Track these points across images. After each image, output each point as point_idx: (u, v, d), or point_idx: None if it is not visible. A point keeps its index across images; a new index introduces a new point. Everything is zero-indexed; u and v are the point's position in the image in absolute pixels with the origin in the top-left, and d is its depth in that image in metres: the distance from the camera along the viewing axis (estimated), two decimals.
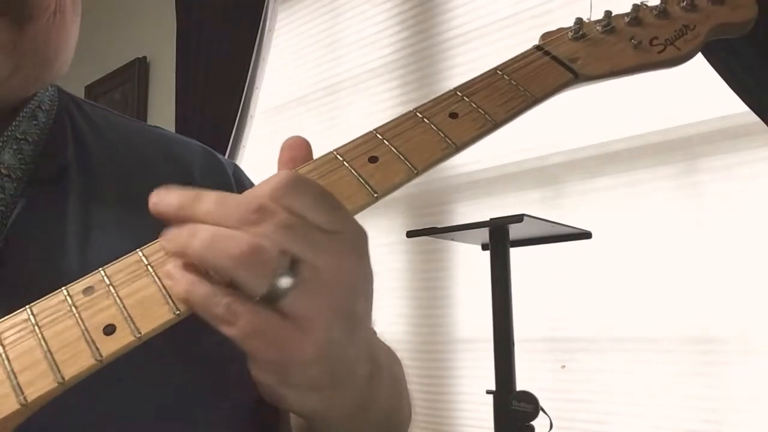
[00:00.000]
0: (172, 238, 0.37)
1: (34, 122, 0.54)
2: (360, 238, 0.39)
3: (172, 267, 0.37)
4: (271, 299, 0.36)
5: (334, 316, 0.37)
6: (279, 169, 0.42)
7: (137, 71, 2.88)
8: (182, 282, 0.36)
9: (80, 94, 3.02)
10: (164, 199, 0.38)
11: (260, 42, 2.34)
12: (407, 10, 2.06)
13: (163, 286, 0.37)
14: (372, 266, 0.40)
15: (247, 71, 2.33)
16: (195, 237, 0.36)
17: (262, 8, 2.31)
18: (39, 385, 0.34)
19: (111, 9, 3.08)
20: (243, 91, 2.33)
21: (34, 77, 0.52)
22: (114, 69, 2.98)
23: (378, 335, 0.63)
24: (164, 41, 2.68)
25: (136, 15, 2.97)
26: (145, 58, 2.89)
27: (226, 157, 2.34)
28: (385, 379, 0.47)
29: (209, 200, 0.37)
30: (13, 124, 0.52)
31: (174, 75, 2.57)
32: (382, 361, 0.47)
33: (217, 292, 0.36)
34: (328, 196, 0.38)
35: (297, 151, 0.42)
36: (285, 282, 0.36)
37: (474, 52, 1.83)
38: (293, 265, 0.36)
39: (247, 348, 0.37)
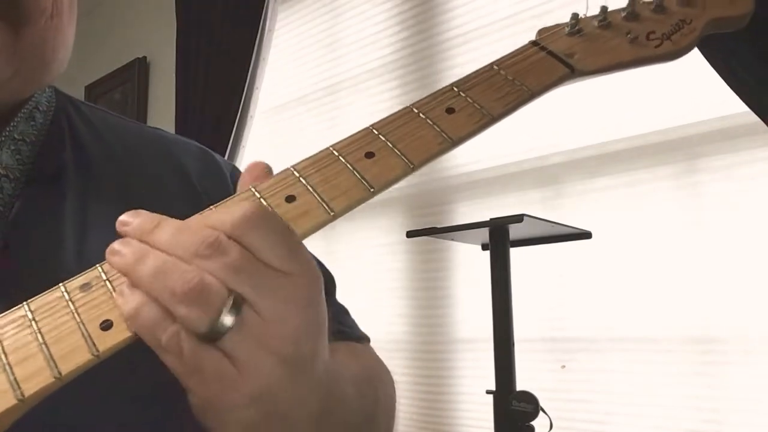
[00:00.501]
0: (120, 253, 0.37)
1: (32, 123, 0.54)
2: (313, 282, 0.38)
3: (125, 284, 0.36)
4: (212, 338, 0.35)
5: (275, 360, 0.36)
6: (240, 189, 0.41)
7: (137, 71, 2.88)
8: (131, 302, 0.36)
9: (80, 94, 3.03)
10: (129, 221, 0.38)
11: (260, 42, 2.34)
12: (407, 10, 2.06)
13: None
14: (324, 310, 0.39)
15: (247, 71, 2.33)
16: (142, 262, 0.36)
17: (262, 8, 2.31)
18: (36, 380, 0.35)
19: (111, 9, 3.08)
20: (243, 91, 2.33)
21: (33, 79, 0.52)
22: (114, 69, 2.98)
23: (369, 345, 0.62)
24: (164, 41, 2.68)
25: (136, 15, 2.97)
26: (145, 58, 2.89)
27: (226, 157, 2.35)
28: (345, 413, 0.46)
29: (168, 229, 0.37)
30: (11, 124, 0.52)
31: (174, 75, 2.57)
32: (345, 393, 0.45)
33: (164, 320, 0.35)
34: (288, 234, 0.37)
35: (257, 174, 0.42)
36: (227, 321, 0.35)
37: (474, 52, 1.83)
38: (238, 305, 0.35)
39: (185, 383, 0.36)
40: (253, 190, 0.41)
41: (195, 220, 0.38)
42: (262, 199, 0.40)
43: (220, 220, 0.36)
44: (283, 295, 0.36)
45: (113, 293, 0.37)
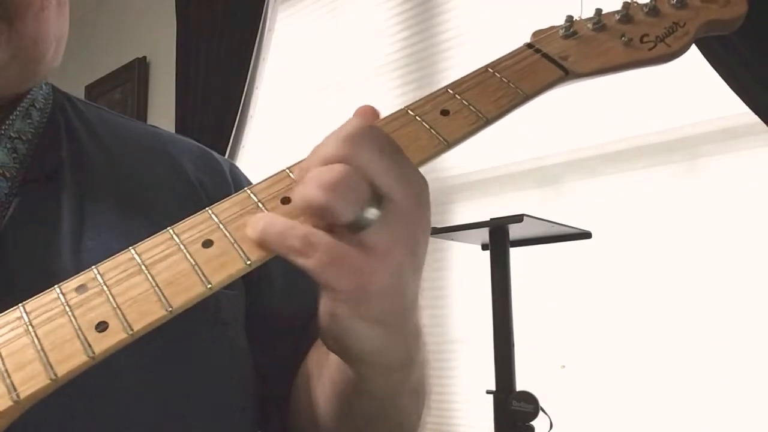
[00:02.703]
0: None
1: (28, 121, 0.54)
2: (426, 186, 0.40)
3: (258, 216, 0.39)
4: (355, 228, 0.37)
5: (407, 252, 0.39)
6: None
7: (137, 71, 2.87)
8: (262, 220, 0.38)
9: (80, 94, 3.02)
10: None
11: (260, 42, 2.34)
12: (407, 10, 2.06)
13: (156, 283, 0.37)
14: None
15: (247, 71, 2.33)
16: (295, 168, 0.39)
17: (262, 8, 2.31)
18: (32, 382, 0.35)
19: (111, 9, 3.08)
20: (243, 91, 2.33)
21: (28, 69, 0.52)
22: (114, 69, 2.98)
23: None
24: (164, 41, 2.68)
25: (136, 15, 2.96)
26: (145, 58, 2.89)
27: (226, 157, 2.35)
28: (423, 347, 0.48)
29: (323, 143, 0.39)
30: (7, 122, 0.52)
31: (174, 75, 2.57)
32: (423, 326, 0.48)
33: (294, 225, 0.37)
34: (400, 149, 0.40)
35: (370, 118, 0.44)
36: (371, 213, 0.37)
37: (473, 53, 1.83)
38: (378, 199, 0.37)
39: (324, 278, 0.37)
40: (249, 191, 0.41)
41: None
42: (259, 203, 0.40)
43: (346, 127, 0.39)
44: (414, 193, 0.39)
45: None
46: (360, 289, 0.38)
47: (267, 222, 0.38)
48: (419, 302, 0.44)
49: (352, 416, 0.50)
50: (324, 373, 0.51)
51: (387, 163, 0.38)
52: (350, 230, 0.37)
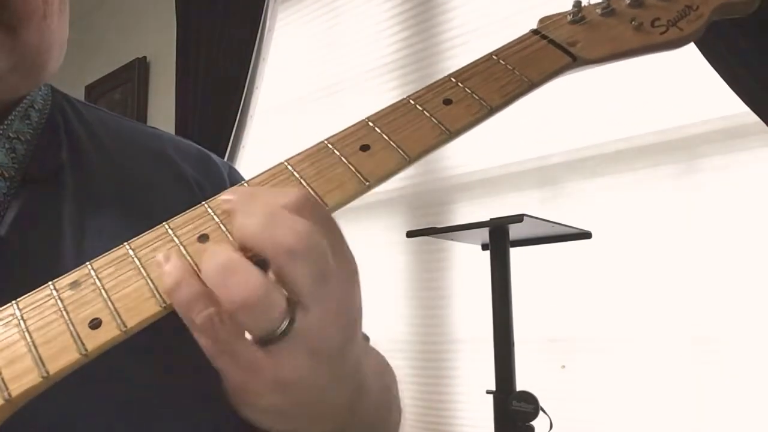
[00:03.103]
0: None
1: (27, 121, 0.54)
2: (355, 272, 0.38)
3: (172, 255, 0.37)
4: (262, 343, 0.35)
5: (311, 354, 0.36)
6: None
7: (137, 71, 2.87)
8: (173, 275, 0.36)
9: (80, 94, 3.03)
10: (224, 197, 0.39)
11: (260, 42, 2.34)
12: (407, 10, 2.06)
13: (150, 279, 0.37)
14: (360, 304, 0.39)
15: (247, 71, 2.32)
16: (214, 259, 0.35)
17: (262, 8, 2.31)
18: (23, 380, 0.34)
19: (111, 9, 3.08)
20: (243, 91, 2.33)
21: (30, 76, 0.52)
22: (114, 69, 2.98)
23: (370, 343, 0.63)
24: (164, 41, 2.68)
25: (136, 15, 2.96)
26: (145, 58, 2.89)
27: (226, 157, 2.35)
28: (372, 401, 0.46)
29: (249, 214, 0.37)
30: (5, 123, 0.52)
31: (174, 75, 2.56)
32: (369, 385, 0.46)
33: (203, 300, 0.35)
34: (334, 223, 0.38)
35: None
36: (281, 329, 0.35)
37: (474, 52, 1.82)
38: (294, 312, 0.35)
39: (214, 362, 0.36)
40: (246, 185, 0.40)
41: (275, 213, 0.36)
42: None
43: (291, 229, 0.35)
44: (335, 298, 0.36)
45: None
46: (248, 385, 0.36)
47: (177, 280, 0.35)
48: (348, 381, 0.41)
49: None
50: None
51: (316, 281, 0.35)
52: (256, 342, 0.35)
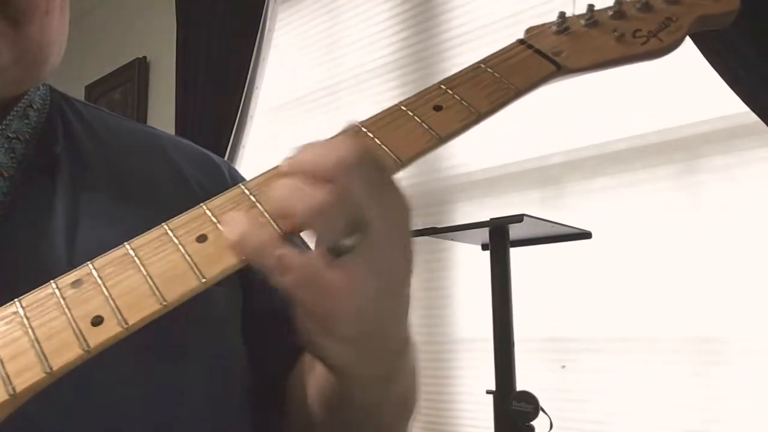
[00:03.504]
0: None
1: (26, 121, 0.54)
2: (408, 208, 0.41)
3: (231, 216, 0.39)
4: (333, 253, 0.38)
5: (381, 280, 0.39)
6: None
7: (137, 71, 2.88)
8: (237, 228, 0.38)
9: (80, 94, 3.03)
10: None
11: (260, 42, 2.34)
12: (407, 10, 2.06)
13: (151, 278, 0.38)
14: (412, 242, 0.42)
15: (247, 71, 2.33)
16: (279, 186, 0.39)
17: (262, 8, 2.32)
18: (27, 375, 0.35)
19: (111, 9, 3.08)
20: (243, 91, 2.33)
21: (31, 71, 0.53)
22: (114, 69, 2.98)
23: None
24: (164, 41, 2.68)
25: (136, 15, 2.97)
26: (145, 58, 2.89)
27: (226, 157, 2.35)
28: (410, 360, 0.49)
29: (308, 151, 0.39)
30: (4, 122, 0.52)
31: (174, 75, 2.57)
32: (412, 341, 0.48)
33: (270, 243, 0.37)
34: (386, 164, 0.41)
35: None
36: (350, 241, 0.37)
37: (474, 52, 1.83)
38: (358, 226, 0.38)
39: (295, 298, 0.38)
40: (243, 187, 0.41)
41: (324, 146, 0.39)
42: (253, 198, 0.40)
43: (338, 150, 0.38)
44: (395, 224, 0.39)
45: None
46: (329, 311, 0.38)
47: (243, 232, 0.38)
48: (405, 321, 0.44)
49: (332, 422, 0.51)
50: (312, 376, 0.52)
51: (373, 194, 0.38)
52: (328, 253, 0.38)
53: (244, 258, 0.38)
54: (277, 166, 0.42)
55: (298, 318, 0.40)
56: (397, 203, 0.40)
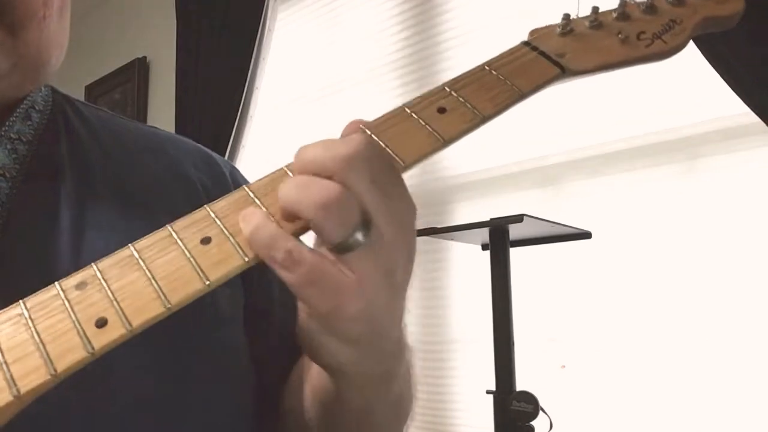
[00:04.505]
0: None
1: (28, 122, 0.54)
2: (414, 213, 0.41)
3: (249, 211, 0.39)
4: (340, 250, 0.37)
5: (386, 278, 0.39)
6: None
7: (137, 71, 2.88)
8: (252, 221, 0.38)
9: (80, 94, 3.03)
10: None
11: (260, 42, 2.34)
12: (407, 10, 2.06)
13: (156, 281, 0.38)
14: (416, 241, 0.42)
15: (247, 71, 2.33)
16: (288, 182, 0.39)
17: (262, 8, 2.32)
18: (32, 377, 0.35)
19: (111, 9, 3.08)
20: (243, 91, 2.33)
21: (30, 76, 0.53)
22: (114, 69, 2.98)
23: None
24: (164, 41, 2.68)
25: (136, 15, 2.97)
26: (145, 58, 2.89)
27: (226, 157, 2.34)
28: (405, 360, 0.49)
29: (312, 148, 0.40)
30: (7, 124, 0.53)
31: (174, 75, 2.57)
32: (406, 342, 0.48)
33: (281, 237, 0.37)
34: (393, 162, 0.41)
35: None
36: (357, 237, 0.37)
37: (474, 52, 1.83)
38: (365, 224, 0.37)
39: (302, 295, 0.38)
40: (247, 190, 0.41)
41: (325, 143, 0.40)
42: (257, 202, 0.40)
43: (344, 145, 0.38)
44: (401, 222, 0.39)
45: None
46: (335, 310, 0.38)
47: (257, 224, 0.38)
48: (401, 322, 0.44)
49: (327, 423, 0.51)
50: (307, 377, 0.52)
51: (380, 191, 0.38)
52: (335, 250, 0.38)
53: (255, 254, 0.38)
54: (281, 168, 0.42)
55: (300, 316, 0.40)
56: (403, 201, 0.40)
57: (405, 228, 0.40)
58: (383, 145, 0.43)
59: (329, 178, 0.37)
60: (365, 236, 0.37)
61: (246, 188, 0.41)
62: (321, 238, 0.38)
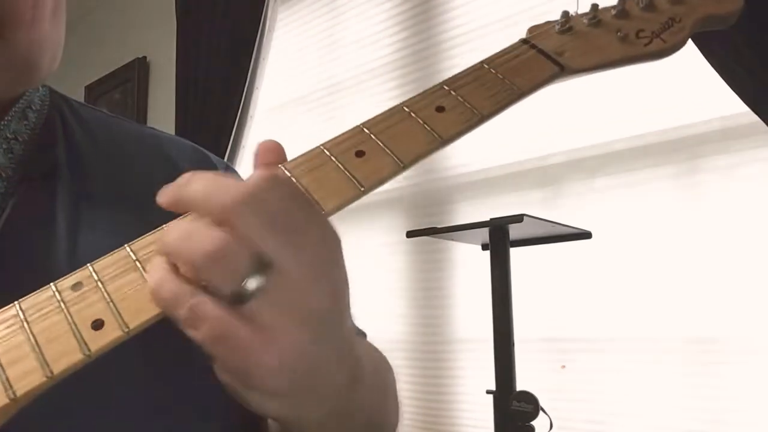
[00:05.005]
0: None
1: (25, 122, 0.54)
2: (334, 241, 0.38)
3: (155, 261, 0.37)
4: (237, 301, 0.35)
5: (302, 323, 0.36)
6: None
7: (137, 71, 2.88)
8: (154, 276, 0.36)
9: (80, 94, 3.03)
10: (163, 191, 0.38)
11: (260, 42, 2.34)
12: (407, 10, 2.06)
13: None
14: (346, 270, 0.39)
15: (247, 71, 2.33)
16: (169, 232, 0.36)
17: (262, 8, 2.32)
18: (28, 379, 0.35)
19: (111, 9, 3.08)
20: (243, 91, 2.33)
21: (20, 80, 0.52)
22: (114, 69, 2.98)
23: (366, 339, 0.63)
24: (164, 41, 2.68)
25: (136, 15, 2.97)
26: (145, 58, 2.89)
27: (226, 157, 2.34)
28: (367, 386, 0.46)
29: (197, 187, 0.37)
30: (2, 124, 0.52)
31: (174, 75, 2.57)
32: (365, 367, 0.45)
33: (185, 292, 0.35)
34: (304, 196, 0.39)
35: (272, 155, 0.42)
36: (252, 283, 0.34)
37: (474, 52, 1.83)
38: (263, 269, 0.35)
39: (211, 353, 0.36)
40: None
41: (209, 184, 0.37)
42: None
43: (235, 188, 0.36)
44: (310, 253, 0.36)
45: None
46: (247, 367, 0.35)
47: (157, 280, 0.36)
48: (349, 357, 0.41)
49: None
50: None
51: (282, 230, 0.35)
52: (231, 302, 0.35)
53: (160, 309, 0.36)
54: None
55: (217, 372, 0.37)
56: (314, 237, 0.37)
57: (323, 262, 0.37)
58: (381, 145, 0.42)
59: (217, 222, 0.35)
60: (262, 282, 0.34)
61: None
62: (212, 291, 0.35)
